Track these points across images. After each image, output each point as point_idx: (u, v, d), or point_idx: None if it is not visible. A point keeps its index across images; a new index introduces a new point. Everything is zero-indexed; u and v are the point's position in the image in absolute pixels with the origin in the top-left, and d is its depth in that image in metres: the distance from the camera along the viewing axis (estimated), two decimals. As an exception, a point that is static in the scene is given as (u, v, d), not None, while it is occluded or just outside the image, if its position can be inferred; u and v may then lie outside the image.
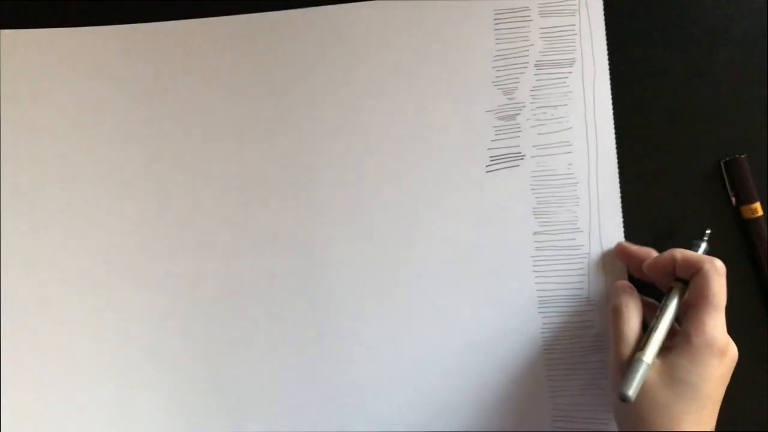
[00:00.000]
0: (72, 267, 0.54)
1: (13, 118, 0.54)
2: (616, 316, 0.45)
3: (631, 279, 0.51)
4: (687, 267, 0.44)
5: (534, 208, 0.53)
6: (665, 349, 0.42)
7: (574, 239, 0.53)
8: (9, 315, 0.54)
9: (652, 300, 0.50)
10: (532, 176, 0.54)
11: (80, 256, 0.54)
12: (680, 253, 0.45)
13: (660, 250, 0.50)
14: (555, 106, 0.53)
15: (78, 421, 0.53)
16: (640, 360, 0.41)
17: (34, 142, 0.54)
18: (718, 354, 0.40)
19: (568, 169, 0.53)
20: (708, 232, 0.50)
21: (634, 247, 0.50)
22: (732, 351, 0.41)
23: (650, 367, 0.41)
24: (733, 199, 0.53)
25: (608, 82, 0.53)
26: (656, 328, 0.43)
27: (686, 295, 0.45)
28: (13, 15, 0.55)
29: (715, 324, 0.41)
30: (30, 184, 0.54)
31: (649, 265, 0.46)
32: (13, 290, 0.54)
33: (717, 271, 0.42)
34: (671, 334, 0.43)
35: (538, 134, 0.53)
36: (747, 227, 0.53)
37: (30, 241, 0.54)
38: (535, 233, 0.53)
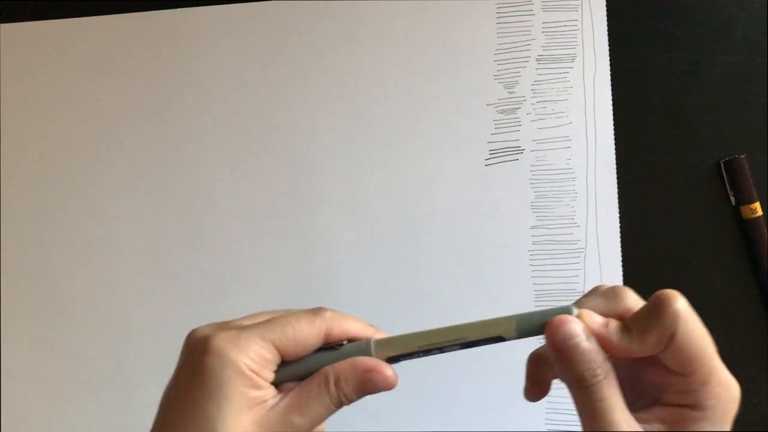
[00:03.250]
0: (74, 263, 0.54)
1: (15, 112, 0.55)
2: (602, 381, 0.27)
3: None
4: (657, 342, 0.27)
5: (532, 202, 0.53)
6: (662, 425, 0.27)
7: (571, 234, 0.53)
8: (9, 314, 0.54)
9: None
10: (531, 170, 0.54)
11: (82, 250, 0.54)
12: (632, 323, 0.27)
13: (663, 252, 0.49)
14: (555, 101, 0.54)
15: (79, 419, 0.53)
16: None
17: (36, 137, 0.55)
18: (737, 405, 0.27)
19: (567, 164, 0.53)
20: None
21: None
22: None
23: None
24: (733, 199, 0.53)
25: (609, 78, 0.53)
26: None
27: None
28: (14, 7, 0.56)
29: (722, 366, 0.27)
30: (31, 179, 0.55)
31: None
32: (14, 289, 0.54)
33: (690, 315, 0.27)
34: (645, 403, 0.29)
35: (538, 128, 0.54)
36: (746, 227, 0.53)
37: (31, 237, 0.54)
38: (533, 227, 0.53)
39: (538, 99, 0.54)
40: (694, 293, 0.52)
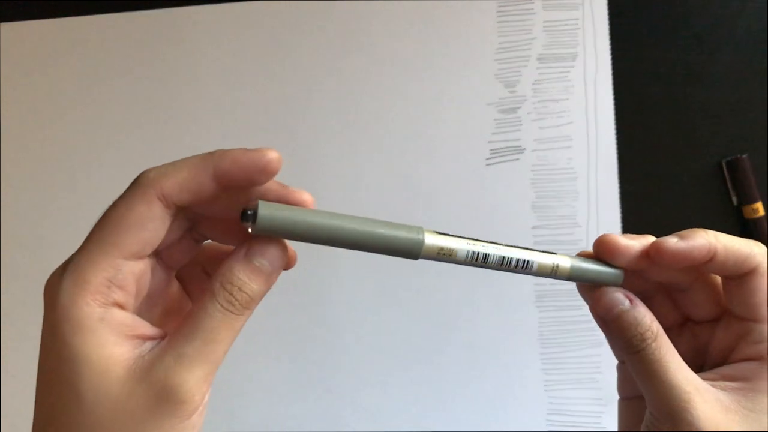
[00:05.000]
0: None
1: (15, 112, 0.55)
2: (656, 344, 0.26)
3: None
4: (733, 263, 0.26)
5: (533, 202, 0.53)
6: (731, 382, 0.26)
7: (573, 234, 0.53)
8: (9, 314, 0.54)
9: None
10: (532, 170, 0.53)
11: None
12: (720, 241, 0.26)
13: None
14: (556, 100, 0.53)
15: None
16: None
17: (36, 137, 0.55)
18: None
19: (568, 163, 0.53)
20: None
21: (624, 242, 0.27)
22: None
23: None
24: (735, 199, 0.53)
25: (610, 77, 0.53)
26: None
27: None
28: (14, 7, 0.56)
29: None
30: (31, 179, 0.54)
31: (670, 254, 0.26)
32: (14, 288, 0.54)
33: None
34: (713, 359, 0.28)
35: (539, 128, 0.53)
36: (748, 227, 0.52)
37: (31, 237, 0.54)
38: (534, 227, 0.53)
39: (539, 98, 0.53)
40: (695, 293, 0.52)
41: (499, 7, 0.54)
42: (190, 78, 0.54)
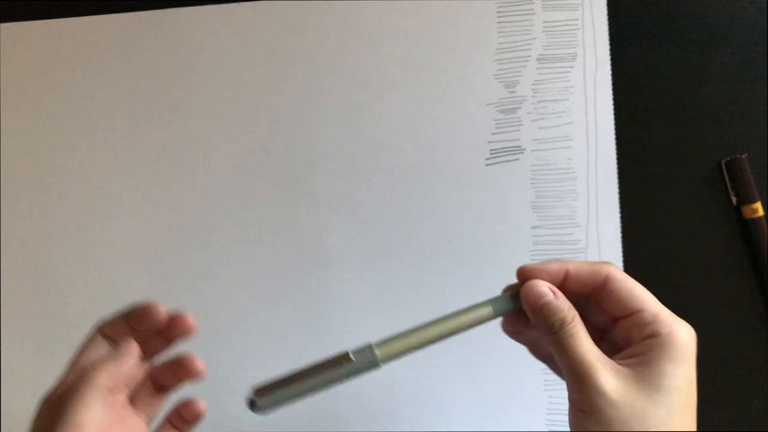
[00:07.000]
0: (74, 262, 0.54)
1: (15, 112, 0.55)
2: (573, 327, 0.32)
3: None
4: (586, 276, 0.33)
5: (533, 202, 0.53)
6: (631, 358, 0.32)
7: (572, 234, 0.53)
8: (9, 314, 0.54)
9: None
10: (532, 170, 0.53)
11: (82, 250, 0.54)
12: (570, 263, 0.34)
13: (664, 252, 0.49)
14: (556, 101, 0.53)
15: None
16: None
17: (36, 137, 0.55)
18: (694, 342, 0.32)
19: (568, 163, 0.53)
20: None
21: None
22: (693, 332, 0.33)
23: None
24: (734, 199, 0.53)
25: (610, 77, 0.53)
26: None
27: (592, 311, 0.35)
28: (14, 7, 0.56)
29: (669, 311, 0.33)
30: (31, 179, 0.54)
31: (529, 271, 0.34)
32: (14, 288, 0.54)
33: (620, 270, 0.34)
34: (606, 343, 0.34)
35: (539, 128, 0.53)
36: (748, 227, 0.52)
37: (31, 236, 0.54)
38: (534, 227, 0.53)
39: (539, 98, 0.53)
40: (694, 293, 0.52)
41: (499, 7, 0.54)
42: (190, 78, 0.55)
